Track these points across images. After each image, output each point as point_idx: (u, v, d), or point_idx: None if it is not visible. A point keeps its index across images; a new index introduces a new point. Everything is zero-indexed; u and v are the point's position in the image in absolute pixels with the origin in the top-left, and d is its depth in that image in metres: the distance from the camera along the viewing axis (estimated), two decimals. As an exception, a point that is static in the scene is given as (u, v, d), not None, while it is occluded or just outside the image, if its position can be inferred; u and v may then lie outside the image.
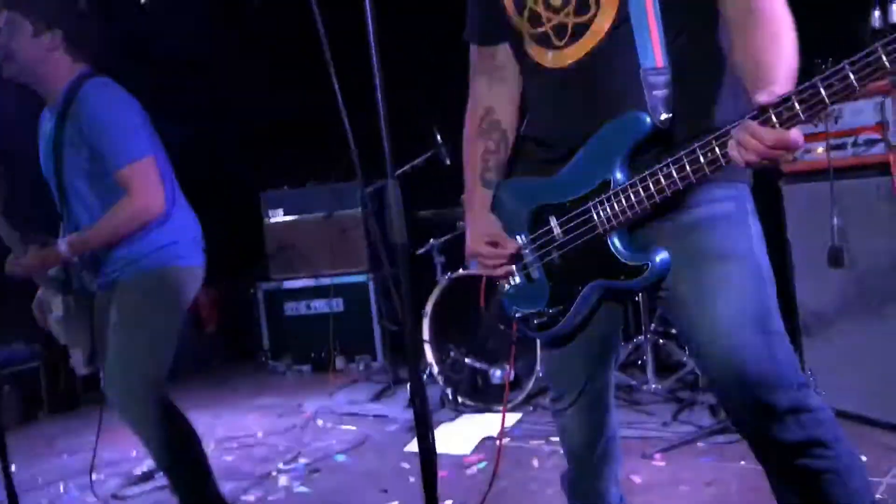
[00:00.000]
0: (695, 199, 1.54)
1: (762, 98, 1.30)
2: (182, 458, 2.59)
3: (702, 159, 1.42)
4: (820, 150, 3.10)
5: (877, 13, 2.88)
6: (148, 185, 2.47)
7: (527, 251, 1.75)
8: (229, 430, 4.15)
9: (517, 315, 1.80)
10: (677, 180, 1.46)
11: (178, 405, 2.59)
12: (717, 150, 1.40)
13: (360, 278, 5.38)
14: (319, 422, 4.18)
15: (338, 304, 5.44)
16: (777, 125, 1.29)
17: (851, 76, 1.22)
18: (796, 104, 1.27)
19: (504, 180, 1.82)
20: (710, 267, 1.54)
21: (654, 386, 3.81)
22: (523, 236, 1.75)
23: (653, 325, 3.87)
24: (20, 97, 2.79)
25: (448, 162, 4.28)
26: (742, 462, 2.85)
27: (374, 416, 4.17)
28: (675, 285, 1.57)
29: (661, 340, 3.89)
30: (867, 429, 2.98)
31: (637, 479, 2.87)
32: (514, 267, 1.78)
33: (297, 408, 4.51)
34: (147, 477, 3.36)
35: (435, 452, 1.48)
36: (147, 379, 2.53)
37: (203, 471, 2.62)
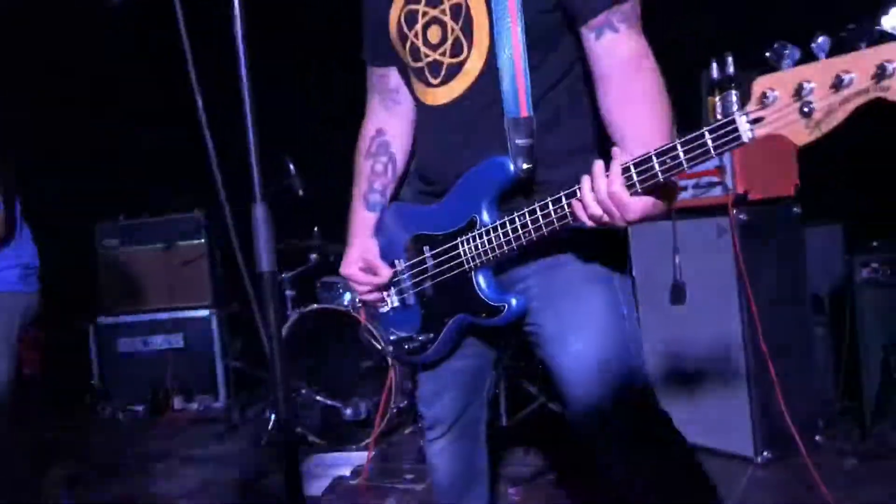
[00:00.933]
0: (560, 242, 1.56)
1: (599, 169, 1.36)
2: None
3: (552, 215, 1.45)
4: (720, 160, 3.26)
5: (714, 65, 3.10)
6: None
7: (404, 276, 1.75)
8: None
9: (391, 338, 1.80)
10: (531, 231, 1.49)
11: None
12: (566, 207, 1.42)
13: (203, 313, 5.12)
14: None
15: (177, 340, 5.15)
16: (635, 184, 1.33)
17: (682, 156, 1.28)
18: (634, 175, 1.33)
19: (391, 203, 1.82)
20: (570, 307, 1.58)
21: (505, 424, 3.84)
22: (402, 262, 1.76)
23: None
24: None
25: (301, 193, 4.18)
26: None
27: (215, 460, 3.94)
28: (537, 323, 1.62)
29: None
30: (707, 457, 3.13)
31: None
32: (383, 294, 1.80)
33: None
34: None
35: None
36: None
37: None
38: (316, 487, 3.30)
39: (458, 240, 1.61)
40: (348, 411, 3.80)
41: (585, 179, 1.38)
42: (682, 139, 1.30)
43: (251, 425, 4.42)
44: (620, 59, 1.47)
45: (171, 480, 3.66)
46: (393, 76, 1.81)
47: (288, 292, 4.32)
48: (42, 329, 5.41)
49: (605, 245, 1.60)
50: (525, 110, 1.53)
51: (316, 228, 4.26)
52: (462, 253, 1.61)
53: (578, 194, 1.39)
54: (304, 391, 3.93)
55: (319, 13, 4.10)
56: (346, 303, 3.84)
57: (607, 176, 1.35)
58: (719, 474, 2.92)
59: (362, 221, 1.83)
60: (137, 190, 5.41)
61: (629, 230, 3.41)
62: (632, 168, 1.33)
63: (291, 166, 4.18)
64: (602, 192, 1.35)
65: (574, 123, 1.59)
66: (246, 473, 3.64)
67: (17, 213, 2.62)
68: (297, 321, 3.95)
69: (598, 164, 1.37)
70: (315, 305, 3.92)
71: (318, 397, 3.90)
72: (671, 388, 3.27)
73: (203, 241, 5.11)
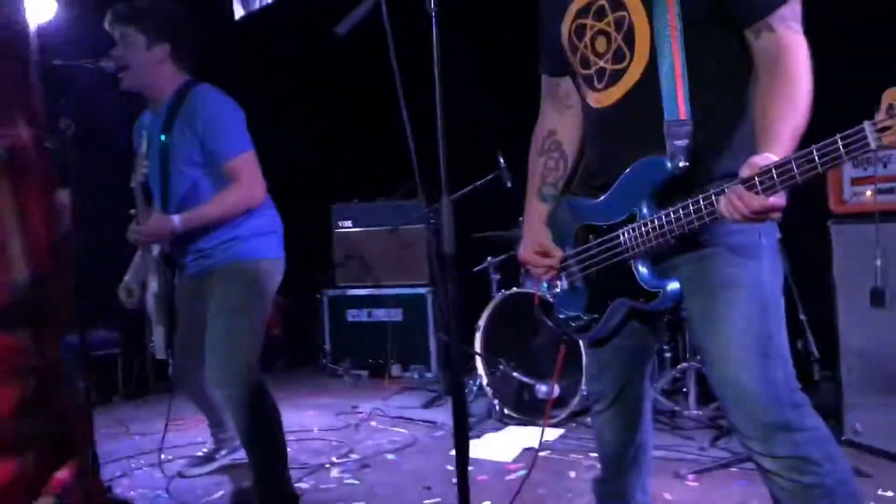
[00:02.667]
0: (712, 234, 1.70)
1: (743, 172, 1.49)
2: (266, 440, 2.83)
3: (703, 210, 1.60)
4: (868, 193, 3.21)
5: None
6: (253, 175, 2.78)
7: (572, 262, 1.95)
8: (288, 424, 4.30)
9: (561, 317, 2.01)
10: (684, 224, 1.64)
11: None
12: (713, 204, 1.58)
13: (420, 290, 5.61)
14: (373, 423, 4.41)
15: (397, 314, 5.67)
16: (760, 192, 1.47)
17: (817, 160, 1.41)
18: (775, 177, 1.46)
19: (562, 196, 2.01)
20: (717, 295, 1.70)
21: (695, 412, 3.92)
22: (570, 249, 1.95)
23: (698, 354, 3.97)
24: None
25: (509, 185, 4.45)
26: (771, 487, 2.94)
27: (424, 421, 4.37)
28: (689, 309, 1.76)
29: (703, 368, 3.98)
30: (900, 466, 3.05)
31: (668, 496, 3.00)
32: (557, 273, 1.99)
33: (353, 409, 4.75)
34: (209, 458, 3.62)
35: (467, 455, 1.66)
36: (248, 363, 2.76)
37: (280, 454, 2.86)
38: (506, 455, 3.60)
39: (620, 230, 1.78)
40: (542, 389, 4.06)
41: (723, 200, 1.54)
42: (818, 145, 1.43)
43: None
44: (773, 55, 1.61)
45: (383, 434, 4.14)
46: (563, 84, 2.02)
47: (494, 276, 4.65)
48: (285, 296, 6.17)
49: (756, 232, 1.71)
50: (683, 113, 1.67)
51: (521, 218, 4.51)
52: (623, 242, 1.78)
53: (727, 191, 1.54)
54: (502, 367, 4.23)
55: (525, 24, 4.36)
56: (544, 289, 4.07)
57: (747, 189, 1.49)
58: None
59: (537, 212, 2.04)
60: (371, 174, 5.97)
61: (830, 231, 3.37)
62: (773, 171, 1.47)
63: (502, 160, 4.47)
64: (743, 211, 1.50)
65: (730, 121, 1.72)
66: (446, 438, 4.02)
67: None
68: (499, 302, 4.26)
69: (737, 191, 1.51)
70: (515, 289, 4.21)
71: (514, 374, 4.19)
72: (868, 391, 3.21)
73: (423, 225, 5.57)
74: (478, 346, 4.26)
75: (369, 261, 5.81)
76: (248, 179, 2.76)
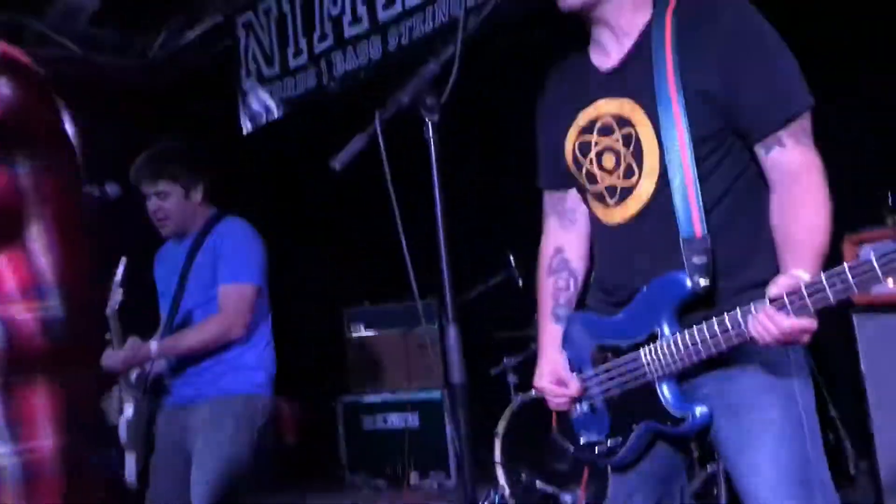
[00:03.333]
0: (738, 350, 1.61)
1: (771, 292, 1.43)
2: None
3: (731, 330, 1.52)
4: (891, 282, 3.10)
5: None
6: (238, 307, 2.70)
7: (592, 383, 1.85)
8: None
9: (582, 441, 1.90)
10: (710, 345, 1.56)
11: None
12: (741, 324, 1.50)
13: (435, 395, 5.46)
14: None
15: (413, 420, 5.51)
16: (791, 313, 1.40)
17: (851, 280, 1.35)
18: (806, 297, 1.39)
19: (574, 314, 1.93)
20: (747, 417, 1.60)
21: (730, 518, 3.72)
22: (587, 370, 1.86)
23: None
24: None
25: (521, 284, 4.37)
26: None
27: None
28: (717, 432, 1.65)
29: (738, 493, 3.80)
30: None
31: None
32: (575, 402, 1.89)
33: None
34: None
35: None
36: (232, 497, 2.63)
37: None
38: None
39: (641, 351, 1.70)
40: (567, 498, 3.88)
41: (752, 321, 1.46)
42: (850, 264, 1.35)
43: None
44: (786, 171, 1.58)
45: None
46: (569, 198, 1.96)
47: (511, 378, 4.51)
48: (298, 402, 6.04)
49: (785, 352, 1.63)
50: (699, 231, 1.62)
51: (536, 316, 4.42)
52: (645, 363, 1.69)
53: (754, 311, 1.46)
54: (524, 476, 4.05)
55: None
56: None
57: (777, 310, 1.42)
58: None
59: (550, 336, 1.96)
60: (380, 276, 5.91)
61: (854, 321, 3.28)
62: (804, 289, 1.40)
63: (511, 258, 4.41)
64: (773, 333, 1.43)
65: (749, 233, 1.66)
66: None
67: (268, 319, 2.89)
68: (518, 408, 4.13)
69: (767, 311, 1.44)
70: (534, 392, 4.07)
71: (538, 484, 4.01)
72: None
73: (435, 325, 5.46)
74: (497, 455, 4.10)
75: (383, 365, 5.69)
76: (231, 310, 2.71)
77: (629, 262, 1.76)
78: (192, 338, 2.74)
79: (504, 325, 4.52)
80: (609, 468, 1.95)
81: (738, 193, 1.67)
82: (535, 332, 4.36)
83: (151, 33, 5.50)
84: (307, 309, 5.65)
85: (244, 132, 5.17)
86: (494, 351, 4.53)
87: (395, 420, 5.58)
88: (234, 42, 5.15)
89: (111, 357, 2.79)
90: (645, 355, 1.70)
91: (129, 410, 2.88)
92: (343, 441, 5.78)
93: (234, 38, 5.13)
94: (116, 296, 2.83)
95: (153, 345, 2.73)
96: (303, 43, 4.62)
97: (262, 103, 4.96)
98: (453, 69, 1.57)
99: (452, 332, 1.66)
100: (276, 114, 4.93)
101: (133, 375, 2.89)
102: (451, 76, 1.57)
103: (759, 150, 1.62)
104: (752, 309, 1.47)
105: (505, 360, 4.52)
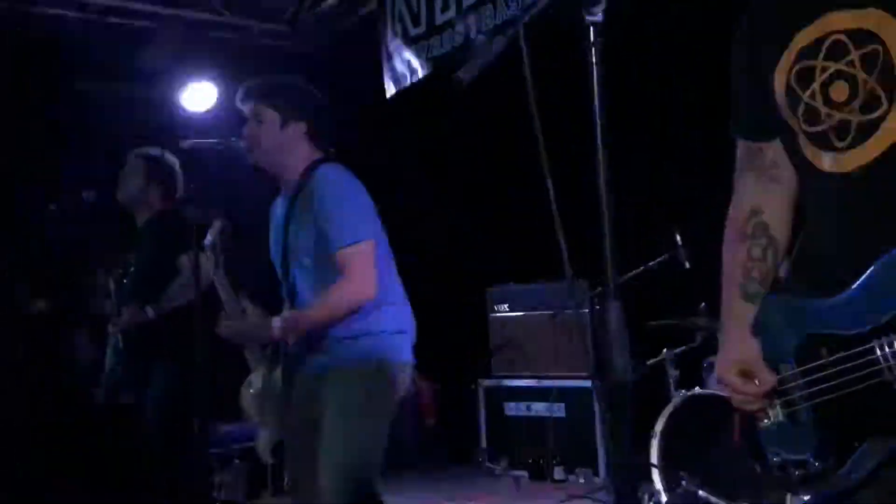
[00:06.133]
0: None
1: None
2: None
3: None
4: None
5: None
6: (363, 269, 2.49)
7: (794, 385, 1.46)
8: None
9: (774, 459, 1.52)
10: None
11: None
12: None
13: (585, 384, 5.05)
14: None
15: (559, 409, 5.15)
16: None
17: None
18: None
19: (771, 296, 1.55)
20: None
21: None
22: (790, 366, 1.47)
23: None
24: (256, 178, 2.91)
25: (688, 266, 3.94)
26: None
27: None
28: None
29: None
30: None
31: None
32: (768, 403, 1.51)
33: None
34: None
35: None
36: (366, 478, 2.44)
37: None
38: None
39: (875, 342, 1.30)
40: (737, 513, 3.40)
41: None
42: None
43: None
44: None
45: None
46: (770, 150, 1.56)
47: (672, 372, 4.07)
48: (440, 384, 5.86)
49: None
50: None
51: (703, 304, 3.95)
52: (881, 358, 1.30)
53: None
54: (685, 482, 3.60)
55: (698, 85, 3.86)
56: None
57: None
58: None
59: (739, 315, 1.57)
60: (527, 253, 5.59)
61: None
62: None
63: (678, 237, 3.97)
64: None
65: None
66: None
67: (397, 280, 2.68)
68: (680, 405, 3.69)
69: None
70: (697, 389, 3.62)
71: (700, 492, 3.55)
72: None
73: (587, 310, 5.05)
74: (654, 457, 3.67)
75: (527, 348, 5.37)
76: (356, 274, 2.46)
77: (861, 223, 1.37)
78: (318, 312, 2.55)
79: (665, 312, 4.09)
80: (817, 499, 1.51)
81: None
82: (702, 321, 3.98)
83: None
84: (449, 286, 5.43)
85: (388, 95, 4.99)
86: (653, 340, 4.12)
87: (539, 408, 5.25)
88: (381, 2, 4.95)
89: (228, 327, 2.60)
90: (881, 348, 1.30)
91: (257, 382, 2.73)
92: (484, 427, 5.52)
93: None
94: (210, 262, 2.64)
95: (275, 323, 2.52)
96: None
97: (406, 64, 4.78)
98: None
99: (614, 311, 1.30)
100: (420, 74, 4.73)
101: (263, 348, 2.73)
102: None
103: None
104: None
105: (665, 351, 4.09)
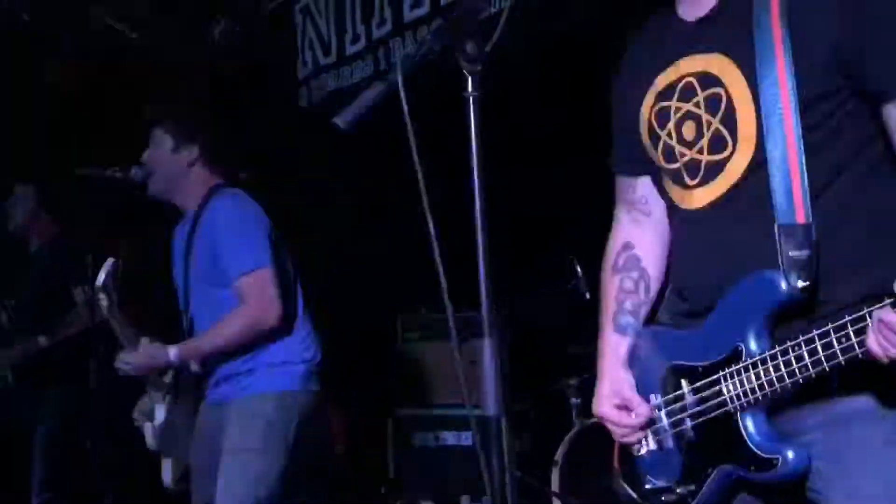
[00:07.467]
0: (850, 376, 1.25)
1: None
2: None
3: (835, 346, 1.18)
4: None
5: None
6: (260, 294, 2.48)
7: (661, 414, 1.54)
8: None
9: (648, 486, 1.60)
10: (809, 365, 1.22)
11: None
12: (852, 336, 1.16)
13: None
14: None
15: (466, 438, 5.15)
16: None
17: None
18: None
19: (644, 328, 1.63)
20: (873, 478, 1.25)
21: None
22: (657, 397, 1.55)
23: None
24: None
25: (588, 296, 3.97)
26: None
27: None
28: (827, 493, 1.28)
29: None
30: None
31: None
32: (644, 434, 1.59)
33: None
34: None
35: None
36: None
37: None
38: None
39: (720, 373, 1.38)
40: (632, 539, 3.45)
41: (870, 330, 1.12)
42: None
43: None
44: None
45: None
46: (639, 185, 1.65)
47: (573, 400, 4.13)
48: (347, 414, 5.78)
49: None
50: (801, 216, 1.29)
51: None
52: (724, 390, 1.38)
53: (868, 321, 1.13)
54: (584, 513, 3.66)
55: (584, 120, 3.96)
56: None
57: None
58: None
59: (613, 348, 1.64)
60: (434, 283, 5.62)
61: None
62: None
63: (578, 268, 4.04)
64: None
65: (865, 224, 1.32)
66: None
67: (300, 307, 2.67)
68: (579, 433, 3.75)
69: (886, 318, 1.10)
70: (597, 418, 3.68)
71: (599, 523, 3.61)
72: None
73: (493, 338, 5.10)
74: (554, 486, 3.72)
75: (435, 377, 5.37)
76: (255, 299, 2.45)
77: (711, 258, 1.44)
78: (216, 337, 2.49)
79: (569, 340, 4.15)
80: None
81: (857, 173, 1.33)
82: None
83: (213, 21, 5.34)
84: (359, 314, 5.38)
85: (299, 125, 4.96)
86: (562, 368, 4.16)
87: (447, 437, 5.23)
88: (293, 29, 4.94)
89: (125, 361, 2.55)
90: (724, 380, 1.38)
91: (160, 415, 2.67)
92: (391, 458, 5.47)
93: (293, 25, 4.91)
94: (103, 300, 2.60)
95: (171, 351, 2.47)
96: (361, 29, 4.34)
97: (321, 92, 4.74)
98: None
99: (488, 350, 1.35)
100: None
101: (169, 376, 2.68)
102: (503, 16, 1.25)
103: (889, 111, 1.26)
104: (869, 315, 1.14)
105: (563, 379, 4.14)
